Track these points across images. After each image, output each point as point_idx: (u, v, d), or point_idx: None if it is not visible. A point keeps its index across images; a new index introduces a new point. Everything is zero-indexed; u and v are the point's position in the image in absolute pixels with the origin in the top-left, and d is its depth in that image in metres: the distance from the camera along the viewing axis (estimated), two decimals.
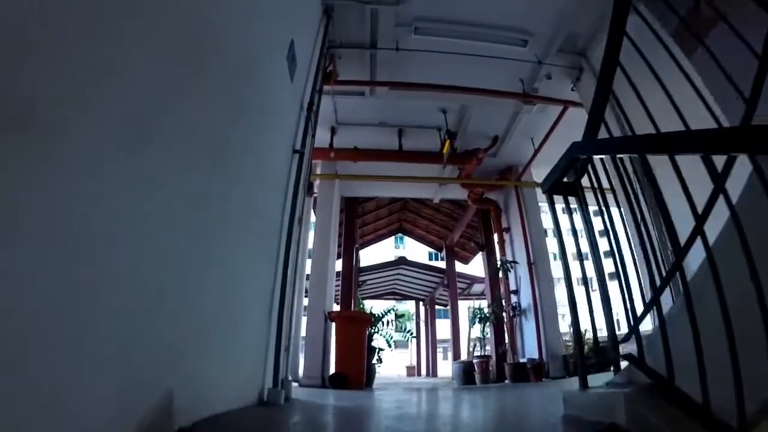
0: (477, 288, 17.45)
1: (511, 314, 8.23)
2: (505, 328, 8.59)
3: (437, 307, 18.36)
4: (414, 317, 22.96)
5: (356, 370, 6.67)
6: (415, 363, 22.04)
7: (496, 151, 8.28)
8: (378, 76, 6.27)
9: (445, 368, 19.12)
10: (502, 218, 9.25)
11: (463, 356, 12.60)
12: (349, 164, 8.08)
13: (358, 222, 11.68)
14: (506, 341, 8.59)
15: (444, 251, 13.96)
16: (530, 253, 8.08)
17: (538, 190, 8.76)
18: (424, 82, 6.26)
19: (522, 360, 7.79)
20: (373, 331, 7.94)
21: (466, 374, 8.48)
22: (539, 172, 8.68)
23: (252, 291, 2.64)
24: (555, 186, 2.41)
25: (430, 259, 40.59)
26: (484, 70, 6.29)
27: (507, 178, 8.97)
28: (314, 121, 4.52)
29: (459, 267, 14.44)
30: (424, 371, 18.41)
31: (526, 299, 8.04)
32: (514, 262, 8.18)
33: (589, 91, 6.01)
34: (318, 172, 8.20)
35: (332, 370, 6.91)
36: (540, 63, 6.19)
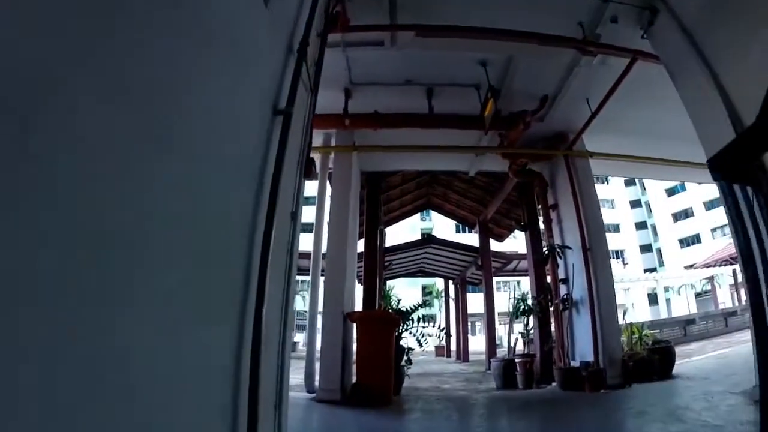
0: (516, 265, 16.21)
1: (560, 307, 7.00)
2: (552, 323, 7.38)
3: (469, 285, 17.17)
4: (443, 294, 21.95)
5: (382, 381, 5.64)
6: (444, 343, 21.12)
7: (544, 114, 6.90)
8: (400, 21, 4.99)
9: (476, 343, 18.06)
10: (549, 194, 7.91)
11: (493, 338, 11.55)
12: (369, 133, 6.84)
13: (383, 198, 10.50)
14: (553, 338, 7.40)
15: (477, 228, 12.69)
16: (585, 236, 6.77)
17: (594, 162, 7.41)
18: (458, 25, 4.93)
19: (574, 363, 6.60)
20: (401, 330, 6.85)
21: (507, 375, 7.37)
22: (594, 141, 7.32)
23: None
24: None
25: (458, 231, 39.30)
26: (535, 10, 5.01)
27: (554, 148, 7.60)
28: (314, 75, 3.30)
29: (494, 245, 13.15)
30: (454, 353, 17.42)
31: (578, 290, 6.78)
32: (566, 247, 6.88)
33: (667, 38, 4.65)
34: (333, 143, 6.99)
35: (355, 378, 5.90)
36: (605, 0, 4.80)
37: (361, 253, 8.18)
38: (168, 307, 1.29)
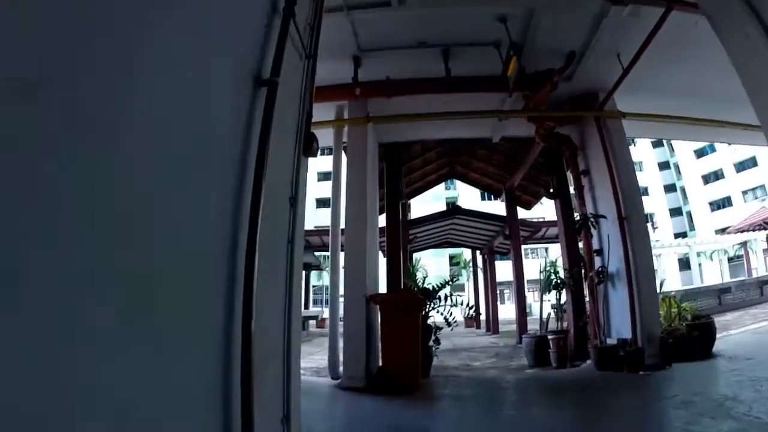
0: (545, 232, 15.69)
1: (595, 281, 6.57)
2: (587, 298, 6.96)
3: (497, 254, 16.74)
4: (470, 264, 21.61)
5: (408, 367, 5.37)
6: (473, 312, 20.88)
7: (571, 72, 6.34)
8: None
9: (506, 312, 17.71)
10: (579, 159, 7.37)
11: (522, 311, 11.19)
12: (383, 103, 6.41)
13: (404, 169, 10.10)
14: (587, 313, 7.00)
15: (503, 196, 12.18)
16: (620, 203, 6.26)
17: (629, 123, 6.82)
18: None
19: (610, 340, 6.19)
20: (428, 309, 6.55)
21: (539, 352, 7.05)
22: (626, 101, 6.72)
23: None
24: None
25: (483, 199, 38.57)
26: None
27: (583, 109, 7.02)
28: (310, 38, 2.90)
29: (521, 212, 12.64)
30: (483, 324, 17.14)
31: (614, 262, 6.32)
32: (601, 216, 6.38)
33: None
34: (345, 116, 6.59)
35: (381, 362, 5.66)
36: None
37: (384, 227, 7.87)
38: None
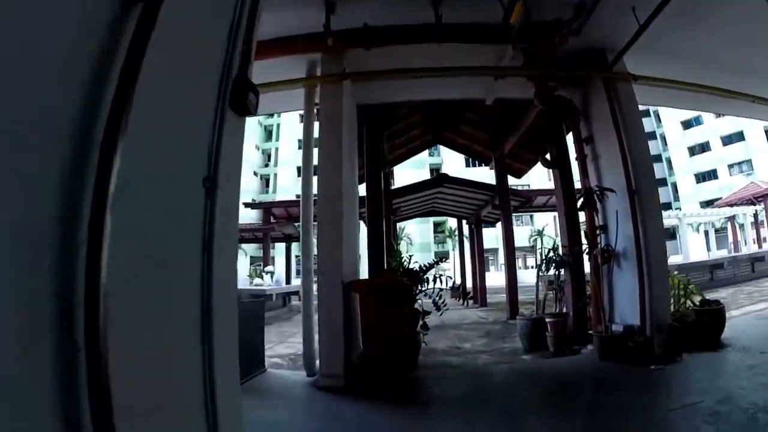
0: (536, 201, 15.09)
1: (599, 260, 5.89)
2: (588, 278, 6.32)
3: (484, 224, 16.07)
4: (456, 233, 21.03)
5: (393, 362, 4.69)
6: (459, 281, 20.42)
7: (579, 26, 5.46)
8: None
9: (491, 279, 17.20)
10: (581, 125, 6.59)
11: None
12: (362, 57, 5.51)
13: (386, 134, 9.20)
14: (588, 294, 6.37)
15: (493, 163, 11.40)
16: (630, 175, 5.53)
17: (640, 88, 6.06)
18: None
19: (615, 326, 5.56)
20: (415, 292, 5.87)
21: (535, 335, 6.45)
22: (639, 63, 5.94)
23: None
24: None
25: (468, 165, 37.76)
26: None
27: (589, 70, 6.20)
28: None
29: (511, 181, 11.90)
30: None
31: (622, 241, 5.63)
32: (608, 189, 5.64)
33: None
34: (318, 73, 5.67)
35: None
36: None
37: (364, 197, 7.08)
38: None
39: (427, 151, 40.02)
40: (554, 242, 7.06)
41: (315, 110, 5.71)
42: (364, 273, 6.90)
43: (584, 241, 6.49)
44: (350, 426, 3.75)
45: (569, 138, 7.05)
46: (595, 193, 5.70)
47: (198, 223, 1.39)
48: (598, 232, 6.02)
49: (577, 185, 6.75)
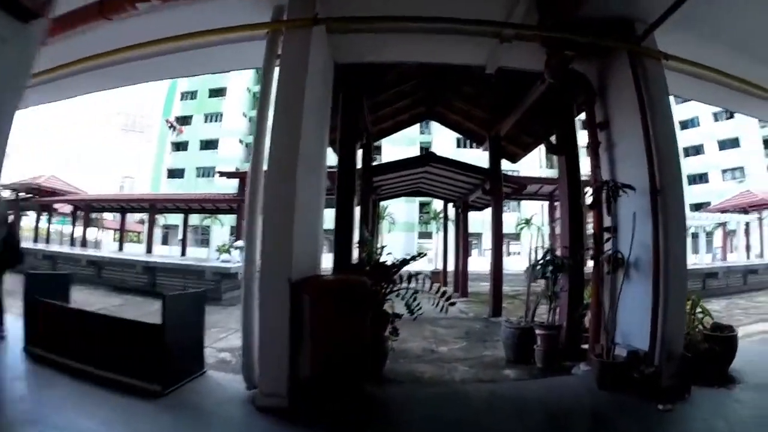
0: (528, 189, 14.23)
1: (605, 268, 4.96)
2: (589, 286, 5.41)
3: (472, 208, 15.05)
4: (441, 216, 20.10)
5: (349, 380, 3.76)
6: (440, 266, 19.56)
7: None
8: None
9: (473, 264, 16.28)
10: (597, 108, 5.58)
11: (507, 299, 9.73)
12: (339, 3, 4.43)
13: (370, 104, 8.10)
14: (585, 304, 5.49)
15: (487, 144, 10.35)
16: (655, 171, 4.56)
17: (673, 74, 5.10)
18: None
19: (618, 349, 4.64)
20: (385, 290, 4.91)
21: (522, 346, 5.57)
22: (669, 43, 4.96)
23: None
24: None
25: (459, 146, 36.52)
26: None
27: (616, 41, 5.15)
28: None
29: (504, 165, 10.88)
30: (451, 283, 15.76)
31: (635, 248, 4.65)
32: (627, 186, 4.63)
33: None
34: (284, 17, 4.55)
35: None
36: None
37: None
38: None
39: (417, 128, 38.77)
40: (539, 230, 6.06)
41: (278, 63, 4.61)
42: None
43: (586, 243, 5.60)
44: None
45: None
46: (610, 189, 4.70)
47: None
48: (607, 235, 5.08)
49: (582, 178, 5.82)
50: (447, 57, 5.83)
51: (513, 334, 5.71)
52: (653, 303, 4.41)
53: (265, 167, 4.11)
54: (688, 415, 3.84)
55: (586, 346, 5.37)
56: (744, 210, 24.87)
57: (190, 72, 8.68)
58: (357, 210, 6.17)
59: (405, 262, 5.06)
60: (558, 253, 5.74)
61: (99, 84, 6.80)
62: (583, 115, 6.09)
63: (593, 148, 5.39)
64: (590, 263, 5.29)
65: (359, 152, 9.66)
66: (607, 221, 5.14)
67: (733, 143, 41.25)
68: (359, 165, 9.66)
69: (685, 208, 4.80)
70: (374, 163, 10.87)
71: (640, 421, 3.77)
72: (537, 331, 5.42)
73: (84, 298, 10.17)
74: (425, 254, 5.24)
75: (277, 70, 4.41)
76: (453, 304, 4.94)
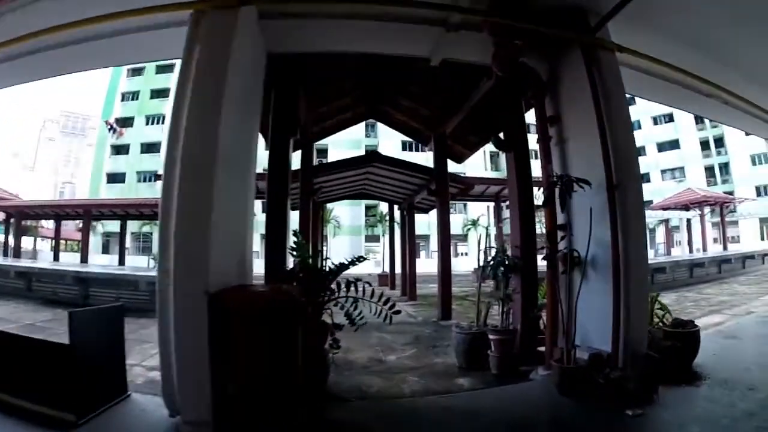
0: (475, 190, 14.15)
1: (560, 268, 4.72)
2: (545, 287, 5.17)
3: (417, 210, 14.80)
4: (387, 219, 19.80)
5: (281, 405, 3.23)
6: (387, 269, 19.26)
7: None
8: None
9: (421, 266, 16.03)
10: (547, 102, 5.37)
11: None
12: None
13: (309, 99, 7.60)
14: (540, 305, 5.25)
15: (431, 144, 10.06)
16: (611, 165, 4.35)
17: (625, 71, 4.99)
18: None
19: (579, 352, 4.39)
20: (324, 298, 4.41)
21: (474, 353, 5.26)
22: (621, 36, 4.88)
23: None
24: None
25: (405, 149, 36.50)
26: None
27: (564, 35, 4.95)
28: None
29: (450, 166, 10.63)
30: (399, 287, 15.44)
31: (594, 246, 4.42)
32: (583, 181, 4.39)
33: None
34: None
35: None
36: None
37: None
38: None
39: (363, 131, 38.44)
40: (486, 230, 5.79)
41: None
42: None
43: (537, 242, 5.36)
44: None
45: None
46: (564, 184, 4.45)
47: None
48: (560, 233, 4.84)
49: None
50: (389, 47, 5.42)
51: (464, 340, 5.39)
52: (614, 302, 4.20)
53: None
54: (661, 420, 3.59)
55: (542, 349, 5.12)
56: (686, 207, 26.14)
57: (113, 62, 7.82)
58: (293, 213, 5.62)
59: (343, 266, 4.58)
60: (509, 252, 5.46)
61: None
62: (531, 113, 5.91)
63: (544, 143, 5.16)
64: (543, 263, 5.06)
65: (298, 153, 9.15)
66: (559, 219, 4.92)
67: (672, 145, 44.99)
68: (298, 166, 9.14)
69: (643, 203, 4.63)
70: (313, 164, 10.31)
71: (611, 430, 3.52)
72: (490, 336, 5.12)
73: (9, 313, 9.21)
74: (365, 258, 4.78)
75: (195, 50, 3.82)
76: (397, 312, 4.50)
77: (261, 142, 5.44)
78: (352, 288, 4.46)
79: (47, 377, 3.60)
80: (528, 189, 5.52)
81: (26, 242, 35.31)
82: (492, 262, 5.34)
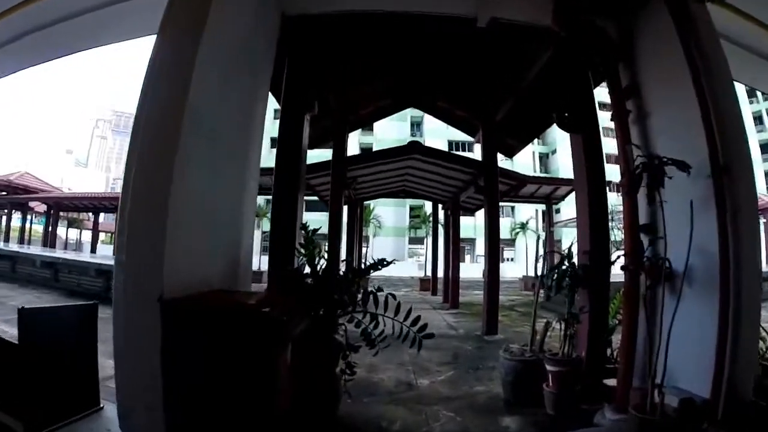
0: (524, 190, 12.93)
1: (647, 281, 3.59)
2: (615, 305, 4.05)
3: (462, 211, 13.68)
4: (430, 220, 18.76)
5: None
6: (430, 273, 18.18)
7: None
8: None
9: (464, 271, 14.86)
10: (621, 70, 4.24)
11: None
12: None
13: (334, 76, 6.74)
14: (612, 327, 4.12)
15: (480, 135, 8.96)
16: (717, 144, 3.20)
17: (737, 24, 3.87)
18: None
19: (668, 395, 3.25)
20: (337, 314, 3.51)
21: (526, 384, 4.19)
22: None
23: None
24: None
25: (451, 149, 34.87)
26: None
27: None
28: None
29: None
30: (441, 292, 14.40)
31: (693, 253, 3.27)
32: (681, 163, 3.23)
33: None
34: None
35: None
36: None
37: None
38: None
39: (408, 131, 37.20)
40: (538, 235, 4.73)
41: None
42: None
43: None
44: None
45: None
46: (653, 169, 3.31)
47: None
48: (640, 234, 3.71)
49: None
50: (426, 4, 4.46)
51: (514, 369, 4.32)
52: (719, 330, 3.04)
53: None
54: None
55: (610, 382, 3.99)
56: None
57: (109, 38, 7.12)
58: (302, 203, 4.73)
59: (359, 271, 3.64)
60: (575, 260, 4.33)
61: None
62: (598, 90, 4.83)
63: (620, 120, 4.04)
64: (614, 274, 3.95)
65: (332, 143, 8.35)
66: (641, 217, 3.79)
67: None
68: (332, 157, 8.35)
69: (756, 194, 3.41)
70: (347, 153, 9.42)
71: None
72: (548, 367, 4.04)
73: (27, 302, 8.97)
74: (390, 262, 3.77)
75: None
76: (429, 336, 3.50)
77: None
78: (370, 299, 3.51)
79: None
80: (600, 181, 4.40)
81: (73, 234, 36.61)
82: (556, 272, 4.23)
